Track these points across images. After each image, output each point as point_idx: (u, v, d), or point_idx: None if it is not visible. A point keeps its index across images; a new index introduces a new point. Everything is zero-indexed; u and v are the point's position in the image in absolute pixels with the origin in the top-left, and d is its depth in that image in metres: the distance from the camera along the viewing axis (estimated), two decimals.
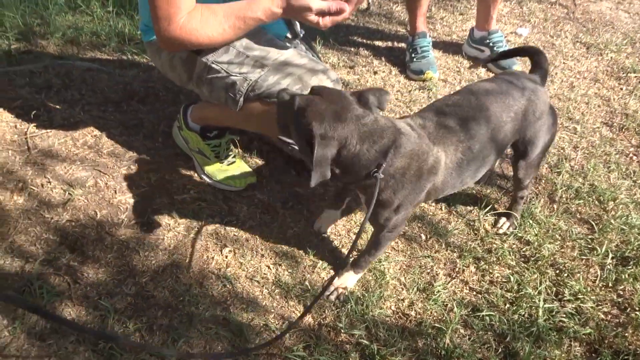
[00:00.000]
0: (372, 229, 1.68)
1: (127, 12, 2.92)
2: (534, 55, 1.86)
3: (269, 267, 1.78)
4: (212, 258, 1.78)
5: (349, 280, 1.74)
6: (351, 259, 1.73)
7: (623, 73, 2.92)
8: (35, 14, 2.81)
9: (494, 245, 1.95)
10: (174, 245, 1.79)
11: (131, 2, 2.97)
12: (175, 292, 1.65)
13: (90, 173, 1.96)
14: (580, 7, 3.55)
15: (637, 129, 2.54)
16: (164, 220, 1.86)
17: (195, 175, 2.04)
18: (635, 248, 1.94)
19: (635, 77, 2.89)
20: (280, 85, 1.65)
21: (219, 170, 2.00)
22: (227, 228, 1.87)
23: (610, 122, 2.59)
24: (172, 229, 1.84)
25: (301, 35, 1.84)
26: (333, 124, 1.35)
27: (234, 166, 2.02)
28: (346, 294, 1.72)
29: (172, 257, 1.76)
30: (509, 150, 1.85)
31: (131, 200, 1.90)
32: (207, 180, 2.01)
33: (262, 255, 1.81)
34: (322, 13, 1.55)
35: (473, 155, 1.60)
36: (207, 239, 1.83)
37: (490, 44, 2.88)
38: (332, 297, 1.71)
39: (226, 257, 1.79)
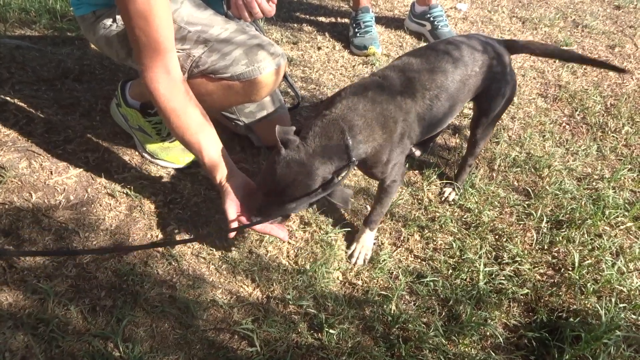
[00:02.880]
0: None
1: None
2: None
3: (215, 243, 1.76)
4: (157, 236, 1.74)
5: (367, 240, 1.82)
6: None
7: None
8: None
9: (437, 213, 2.01)
10: (116, 225, 1.75)
11: None
12: (119, 272, 1.61)
13: (24, 154, 1.88)
14: None
15: (569, 100, 2.66)
16: (105, 200, 1.81)
17: (136, 153, 1.99)
18: (568, 212, 2.04)
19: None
20: (224, 62, 1.62)
21: (160, 148, 1.95)
22: (171, 206, 1.84)
23: (544, 93, 2.70)
24: (113, 208, 1.79)
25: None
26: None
27: (176, 143, 1.97)
28: (370, 253, 1.81)
29: (114, 237, 1.71)
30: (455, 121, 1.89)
31: (68, 181, 1.83)
32: (149, 158, 1.96)
33: (208, 232, 1.79)
34: None
35: (441, 103, 1.64)
36: (151, 218, 1.79)
37: (431, 19, 2.93)
38: (360, 262, 1.80)
39: (170, 235, 1.76)
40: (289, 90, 2.41)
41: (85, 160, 1.91)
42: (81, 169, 1.88)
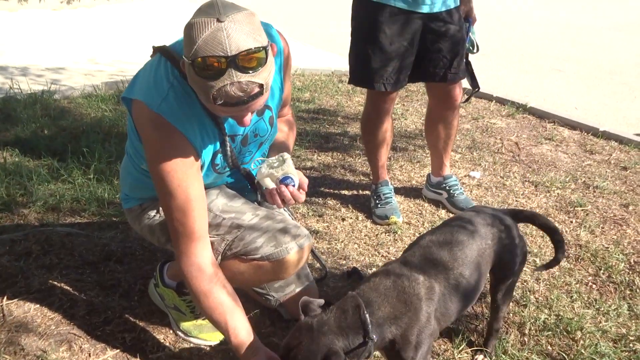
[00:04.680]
0: None
1: (107, 177, 3.12)
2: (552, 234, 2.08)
3: None
4: None
5: None
6: None
7: (571, 207, 3.16)
8: (18, 185, 2.98)
9: None
10: None
11: (111, 169, 3.19)
12: None
13: (65, 337, 1.97)
14: (524, 151, 3.92)
15: (591, 259, 2.70)
16: None
17: (171, 332, 2.06)
18: None
19: (582, 210, 3.13)
20: (255, 244, 1.78)
21: (194, 326, 2.03)
22: None
23: (566, 253, 2.75)
24: None
25: None
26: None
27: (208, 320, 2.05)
28: None
29: None
30: None
31: None
32: (183, 336, 2.03)
33: None
34: None
35: (466, 279, 1.72)
36: None
37: (447, 188, 3.13)
38: None
39: None
40: (316, 262, 2.53)
41: (122, 340, 1.99)
42: (118, 350, 1.95)
